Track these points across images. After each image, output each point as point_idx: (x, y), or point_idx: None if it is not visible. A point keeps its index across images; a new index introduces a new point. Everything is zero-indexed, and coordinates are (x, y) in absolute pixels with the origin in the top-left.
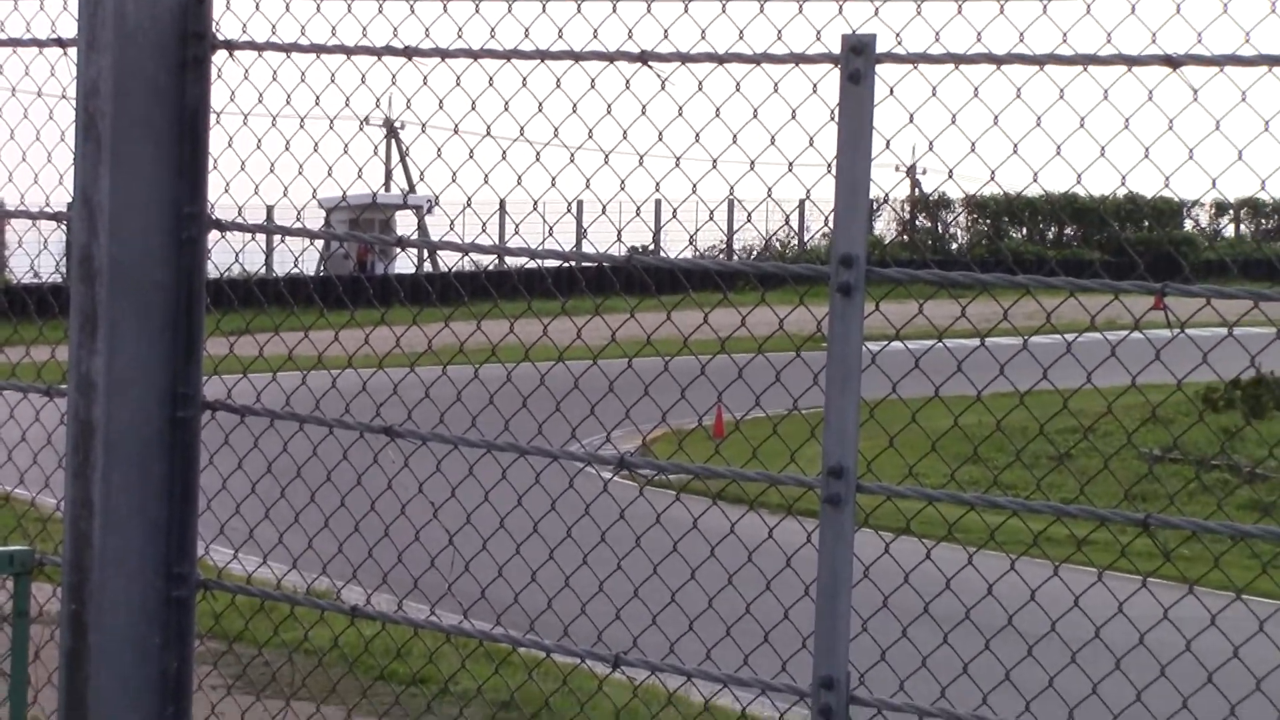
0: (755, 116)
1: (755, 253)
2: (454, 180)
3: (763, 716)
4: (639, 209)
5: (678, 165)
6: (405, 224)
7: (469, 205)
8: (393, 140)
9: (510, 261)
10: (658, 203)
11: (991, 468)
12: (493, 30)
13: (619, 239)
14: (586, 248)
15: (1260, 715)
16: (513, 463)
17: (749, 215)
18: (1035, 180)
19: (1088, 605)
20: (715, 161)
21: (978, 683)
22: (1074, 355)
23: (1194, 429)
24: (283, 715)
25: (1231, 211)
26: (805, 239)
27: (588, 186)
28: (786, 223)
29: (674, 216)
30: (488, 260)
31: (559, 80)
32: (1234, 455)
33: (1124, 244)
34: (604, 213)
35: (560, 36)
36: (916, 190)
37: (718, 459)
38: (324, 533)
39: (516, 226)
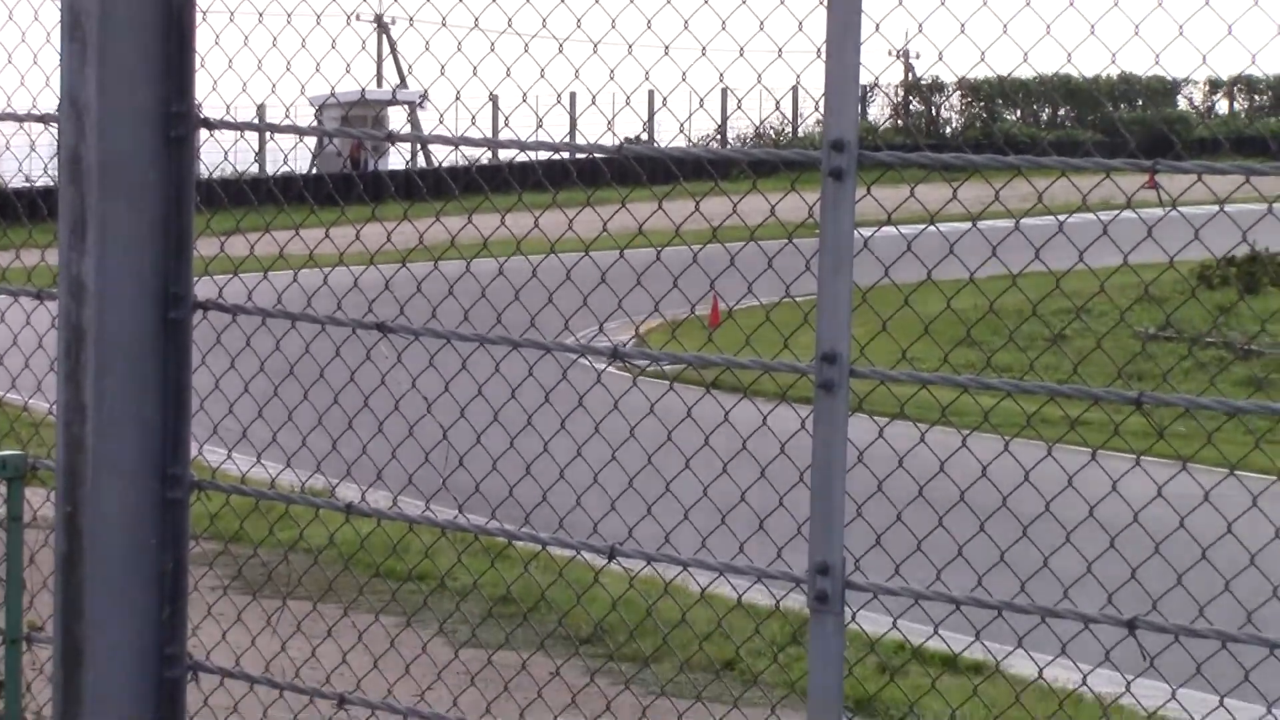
0: (744, 3)
1: (749, 141)
2: (442, 74)
3: (760, 604)
4: (629, 98)
5: (667, 54)
6: (399, 119)
7: (458, 99)
8: (383, 35)
9: (503, 155)
10: (650, 93)
11: (985, 350)
12: None
13: (609, 129)
14: (579, 139)
15: (1254, 590)
16: (505, 356)
17: (739, 102)
18: (1025, 61)
19: (1083, 485)
20: (705, 49)
21: (973, 565)
22: (1066, 235)
23: (1190, 307)
24: (279, 614)
25: (1225, 88)
26: (798, 126)
27: (577, 77)
28: (777, 108)
29: (664, 105)
30: (480, 154)
31: None
32: (1228, 332)
33: (1117, 123)
34: (594, 103)
35: None
36: (910, 74)
37: (710, 348)
38: (318, 431)
39: (506, 119)
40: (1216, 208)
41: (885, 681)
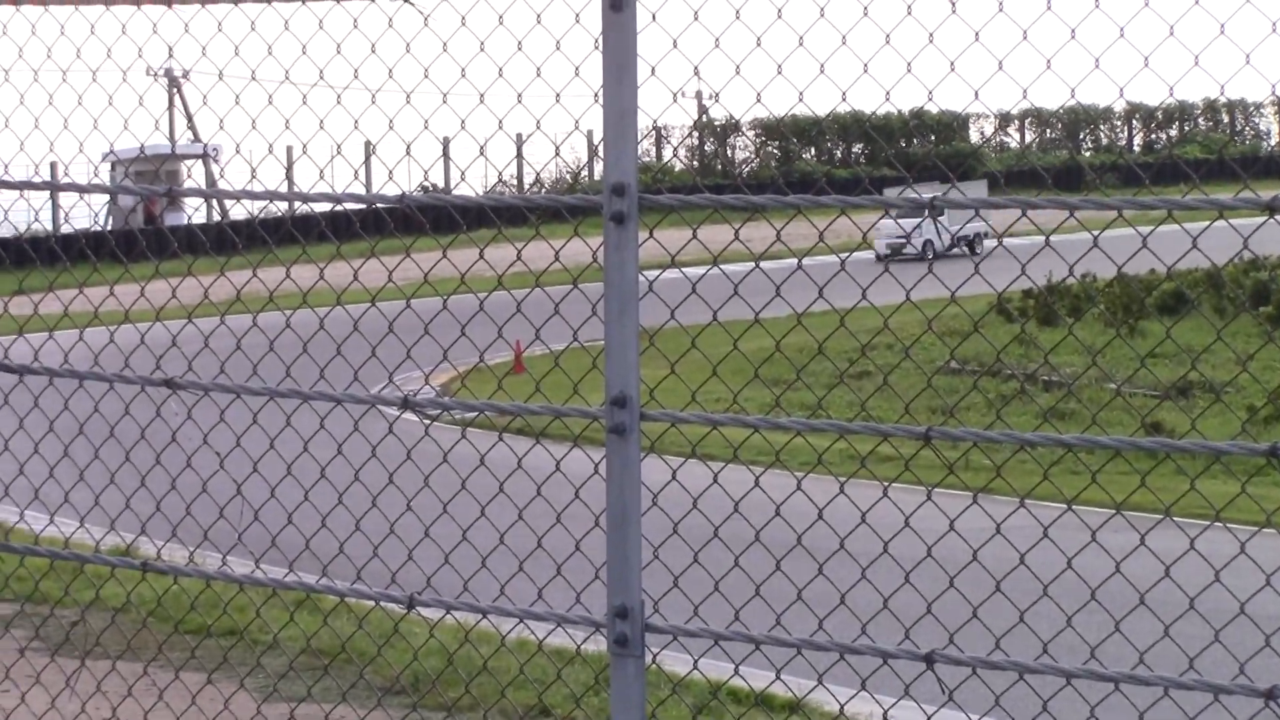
0: (520, 49)
1: (545, 188)
2: (221, 127)
3: (563, 648)
4: (409, 147)
5: (445, 102)
6: (200, 175)
7: (238, 151)
8: (175, 90)
9: (286, 207)
10: (445, 140)
11: (776, 389)
12: None
13: (390, 178)
14: (377, 190)
15: (1050, 620)
16: (296, 409)
17: (519, 149)
18: (801, 100)
19: (877, 520)
20: (483, 96)
21: (770, 604)
22: (847, 272)
23: (992, 340)
24: (78, 674)
25: (1016, 122)
26: (590, 170)
27: (356, 127)
28: (557, 154)
29: (445, 154)
30: (271, 207)
31: (321, 21)
32: (1028, 364)
33: (892, 160)
34: (374, 152)
35: None
36: (702, 115)
37: (501, 395)
38: (111, 488)
39: (287, 170)
40: (1018, 239)
41: None
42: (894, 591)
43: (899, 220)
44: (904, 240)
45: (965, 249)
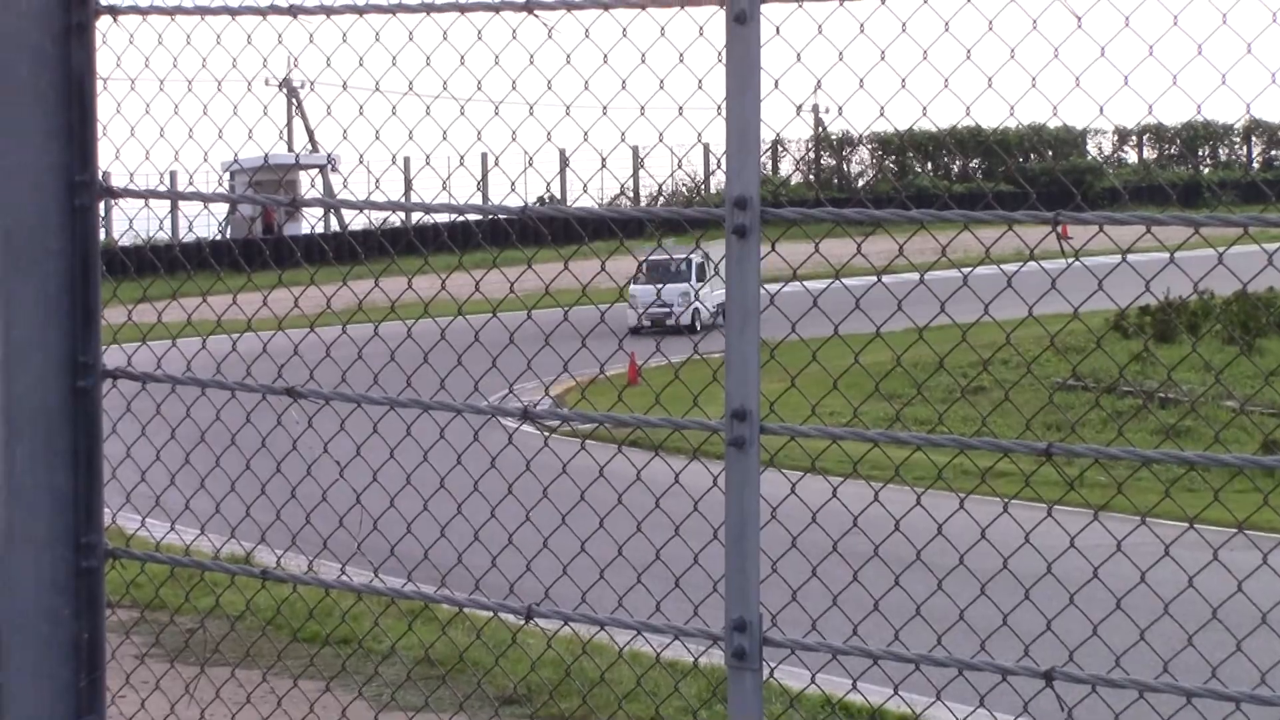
0: (643, 61)
1: (662, 200)
2: (345, 138)
3: (678, 661)
4: (531, 159)
5: (568, 114)
6: (311, 183)
7: (362, 161)
8: (291, 100)
9: (410, 218)
10: (561, 152)
11: (895, 403)
12: None
13: (512, 190)
14: (491, 201)
15: (1170, 638)
16: (416, 419)
17: (641, 161)
18: (925, 114)
19: (997, 536)
20: (605, 108)
21: (889, 618)
22: (970, 287)
23: (1107, 357)
24: (198, 681)
25: (1134, 138)
26: (707, 183)
27: (479, 139)
28: (679, 166)
29: (565, 165)
30: (391, 217)
31: (445, 33)
32: (1145, 380)
33: (1015, 175)
34: (497, 164)
35: None
36: (819, 129)
37: (621, 407)
38: (232, 496)
39: (409, 182)
40: (1139, 256)
41: None
42: (1013, 608)
43: (660, 289)
44: (667, 310)
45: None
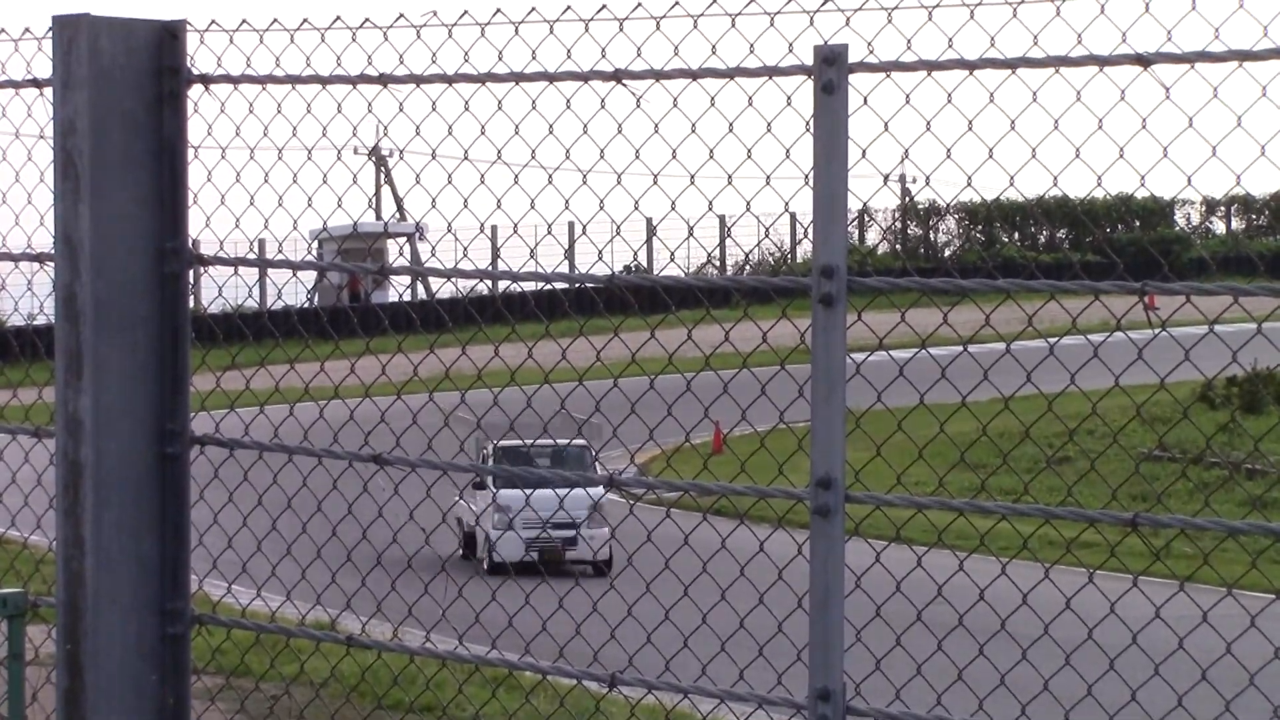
0: (731, 130)
1: (747, 268)
2: (434, 206)
3: None
4: (619, 228)
5: (655, 183)
6: (398, 251)
7: (450, 230)
8: (379, 168)
9: (497, 286)
10: (648, 220)
11: (980, 473)
12: (466, 55)
13: (599, 258)
14: (577, 269)
15: (1256, 711)
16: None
17: (728, 230)
18: (1012, 184)
19: (1082, 607)
20: (693, 177)
21: (973, 689)
22: (1057, 357)
23: (1192, 428)
24: None
25: (1222, 209)
26: (796, 252)
27: (567, 207)
28: (766, 235)
29: (652, 234)
30: (477, 285)
31: (534, 102)
32: (1232, 452)
33: (1103, 245)
34: (584, 232)
35: (534, 58)
36: (906, 198)
37: (706, 475)
38: (317, 563)
39: (496, 251)
40: (1224, 327)
41: None
42: (1098, 679)
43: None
44: (571, 533)
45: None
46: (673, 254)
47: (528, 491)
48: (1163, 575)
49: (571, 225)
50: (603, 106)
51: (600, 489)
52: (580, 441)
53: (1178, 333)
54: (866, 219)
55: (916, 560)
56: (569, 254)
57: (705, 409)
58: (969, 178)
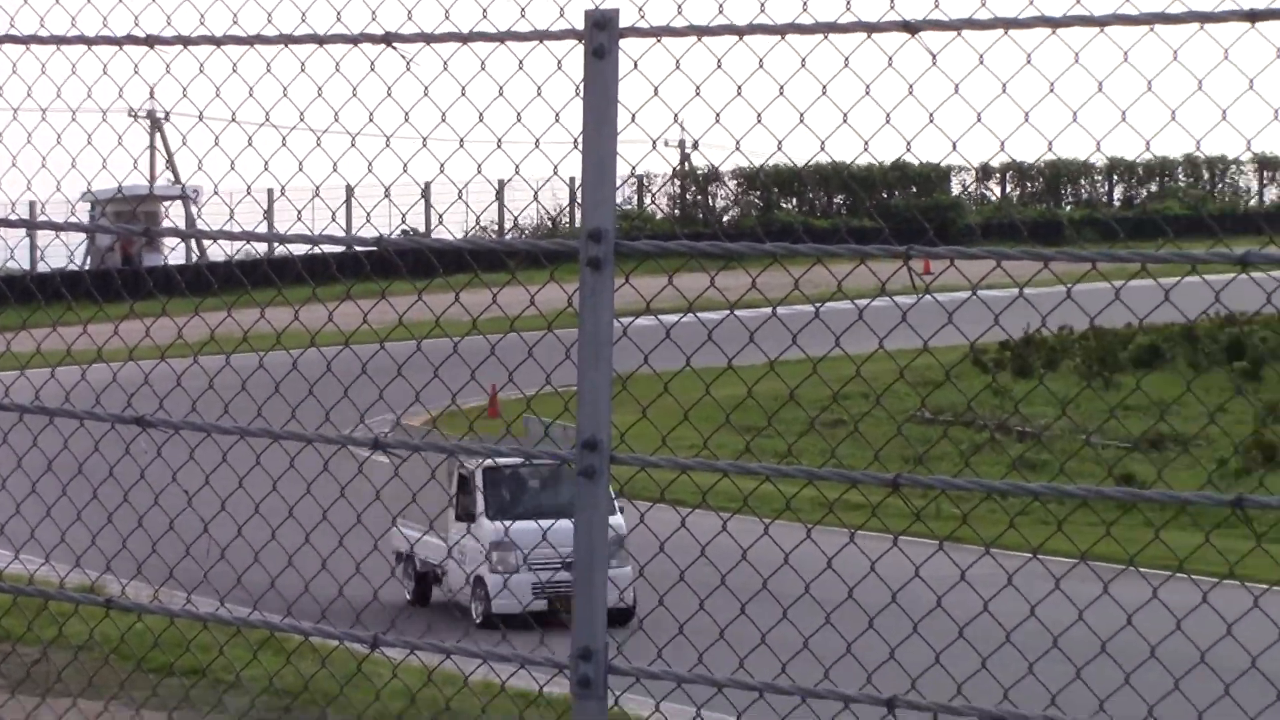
0: (501, 94)
1: (525, 233)
2: (200, 168)
3: (526, 690)
4: (387, 191)
5: (425, 146)
6: (179, 215)
7: (216, 192)
8: (155, 130)
9: (267, 248)
10: (426, 185)
11: (747, 435)
12: (235, 17)
13: (368, 221)
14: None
15: (1010, 668)
16: (266, 449)
17: (499, 193)
18: (780, 149)
19: (844, 566)
20: (463, 141)
21: (734, 647)
22: (822, 320)
23: (969, 391)
24: (39, 710)
25: (997, 175)
26: (572, 216)
27: (335, 170)
28: (535, 199)
29: (425, 197)
30: (250, 249)
31: (304, 65)
32: (1002, 414)
33: (871, 210)
34: (351, 195)
35: (304, 20)
36: (684, 164)
37: (473, 437)
38: (77, 525)
39: (265, 213)
40: (995, 291)
41: None
42: (857, 637)
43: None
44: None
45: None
46: (441, 216)
47: (545, 524)
48: (924, 535)
49: (349, 188)
50: (372, 69)
51: (621, 519)
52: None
53: (950, 297)
54: (644, 184)
55: (680, 521)
56: (340, 217)
57: (472, 372)
58: (737, 142)
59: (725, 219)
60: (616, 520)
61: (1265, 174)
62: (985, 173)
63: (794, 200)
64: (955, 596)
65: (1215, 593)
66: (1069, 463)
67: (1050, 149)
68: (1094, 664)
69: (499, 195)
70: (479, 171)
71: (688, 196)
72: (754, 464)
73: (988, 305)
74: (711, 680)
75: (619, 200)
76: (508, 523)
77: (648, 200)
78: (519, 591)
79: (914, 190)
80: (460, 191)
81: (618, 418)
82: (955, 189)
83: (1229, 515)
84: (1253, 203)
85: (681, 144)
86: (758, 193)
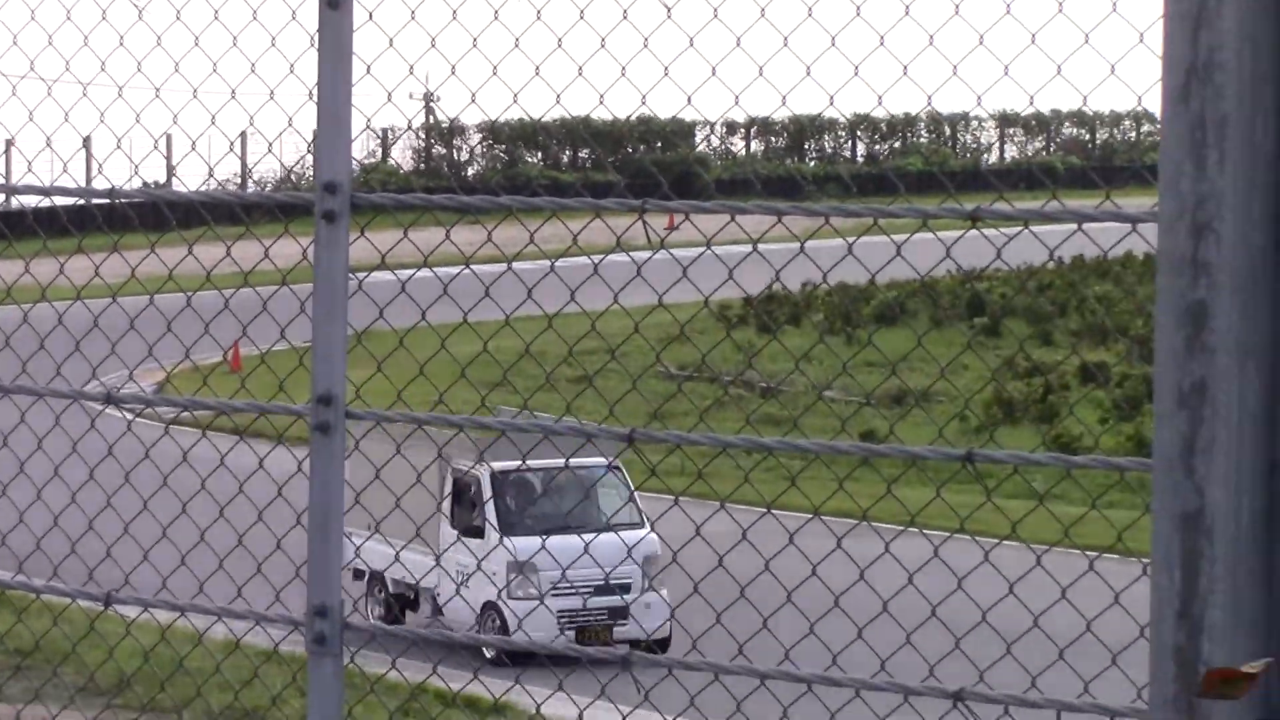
0: (235, 44)
1: (269, 186)
2: None
3: (261, 646)
4: (119, 141)
5: (158, 96)
6: None
7: None
8: None
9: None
10: (168, 136)
11: (482, 389)
12: None
13: (100, 173)
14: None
15: (746, 621)
16: (32, 406)
17: (232, 145)
18: (516, 101)
19: None
20: (195, 91)
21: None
22: (558, 275)
23: (715, 346)
24: None
25: (743, 130)
26: (305, 170)
27: (66, 120)
28: (270, 151)
29: (157, 148)
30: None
31: (34, 13)
32: (747, 370)
33: (604, 162)
34: (88, 146)
35: None
36: (430, 117)
37: (207, 392)
38: None
39: (29, 164)
40: (733, 247)
41: None
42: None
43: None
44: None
45: None
46: (172, 169)
47: (585, 537)
48: (661, 491)
49: (88, 139)
50: (104, 18)
51: (653, 536)
52: (601, 460)
53: (691, 253)
54: (390, 137)
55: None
56: (74, 168)
57: (205, 326)
58: (473, 95)
59: (470, 173)
60: (646, 538)
61: (1004, 131)
62: (730, 128)
63: (539, 155)
64: (695, 552)
65: (947, 546)
66: (815, 420)
67: (784, 103)
68: (829, 618)
69: (233, 147)
70: (213, 123)
71: (432, 151)
72: (489, 419)
73: (723, 260)
74: (446, 638)
75: (364, 155)
76: (535, 538)
77: (394, 155)
78: (543, 620)
79: (659, 146)
80: (193, 143)
81: (355, 374)
82: (701, 145)
83: (960, 469)
84: (992, 159)
85: (426, 97)
86: (502, 147)
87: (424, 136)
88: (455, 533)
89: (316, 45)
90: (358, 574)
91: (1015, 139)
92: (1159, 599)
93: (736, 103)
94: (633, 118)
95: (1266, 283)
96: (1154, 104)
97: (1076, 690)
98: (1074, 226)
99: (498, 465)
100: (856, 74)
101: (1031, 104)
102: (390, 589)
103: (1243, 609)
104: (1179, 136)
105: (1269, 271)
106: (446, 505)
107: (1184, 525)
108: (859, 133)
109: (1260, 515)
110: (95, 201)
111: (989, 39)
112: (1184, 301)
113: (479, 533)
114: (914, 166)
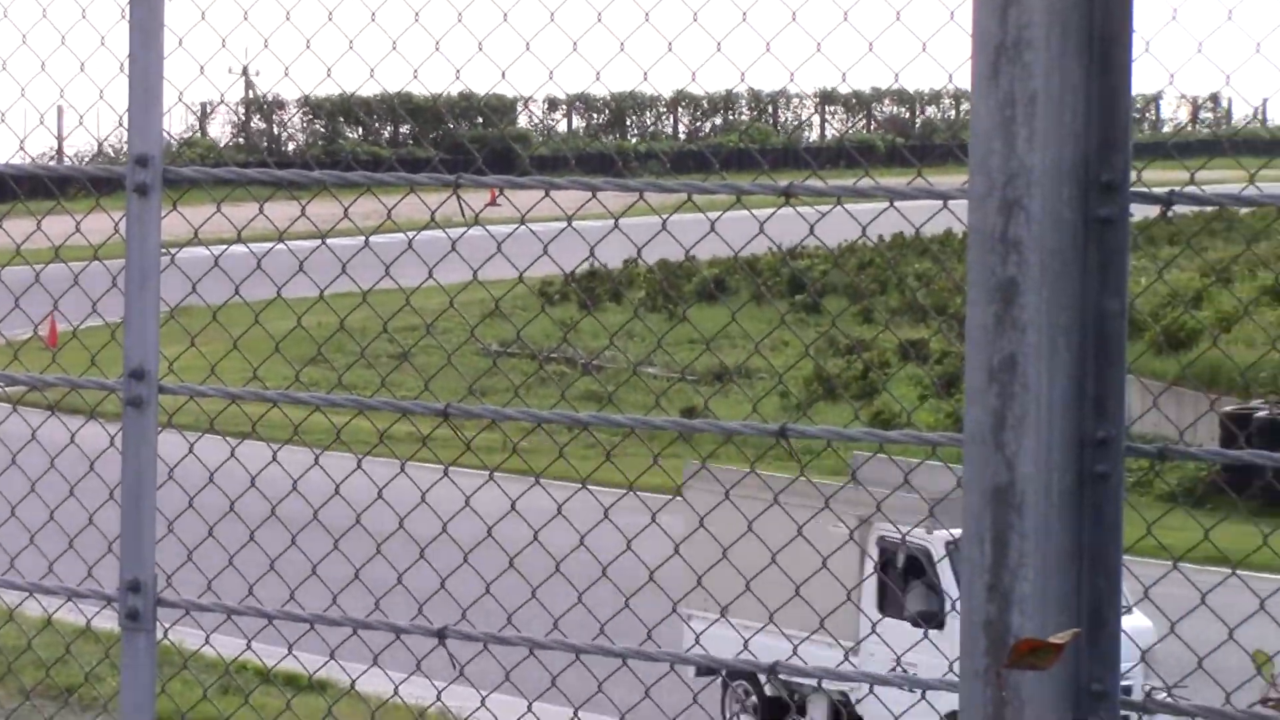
0: (45, 16)
1: (85, 160)
2: None
3: (74, 623)
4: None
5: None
6: None
7: None
8: None
9: None
10: None
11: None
12: None
13: None
14: None
15: (563, 595)
16: None
17: (42, 118)
18: (329, 75)
19: (395, 497)
20: (4, 64)
21: (286, 579)
22: (372, 250)
23: (535, 323)
24: None
25: (565, 107)
26: (120, 145)
27: None
28: (81, 124)
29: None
30: None
31: None
32: (569, 348)
33: (419, 138)
34: None
35: None
36: (250, 91)
37: (18, 367)
38: None
39: None
40: (553, 224)
41: (199, 699)
42: (408, 568)
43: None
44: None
45: None
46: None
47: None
48: (475, 466)
49: None
50: None
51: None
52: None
53: (508, 230)
54: (209, 112)
55: (230, 451)
56: None
57: (15, 301)
58: (286, 69)
59: (291, 149)
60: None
61: (824, 108)
62: (551, 104)
63: (359, 130)
64: (507, 528)
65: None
66: (637, 397)
67: (598, 78)
68: (642, 593)
69: (43, 119)
70: (22, 94)
71: (251, 126)
72: (303, 394)
73: (539, 237)
74: (261, 612)
75: (183, 130)
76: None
77: (210, 130)
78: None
79: (480, 121)
80: (2, 116)
81: (169, 349)
82: (523, 121)
83: (774, 444)
84: (814, 137)
85: (245, 71)
86: (322, 122)
87: (243, 111)
88: (879, 617)
89: (128, 18)
90: (704, 671)
91: (837, 117)
92: (970, 572)
93: (551, 78)
94: (453, 93)
95: (1077, 261)
96: (965, 82)
97: None
98: (887, 204)
99: (955, 532)
100: (670, 50)
101: (844, 80)
102: (768, 693)
103: (1052, 583)
104: (989, 114)
105: (1079, 249)
106: (870, 583)
107: (994, 499)
108: (680, 109)
109: (1070, 491)
110: None
111: (802, 16)
112: (994, 278)
113: (937, 621)
114: (731, 143)
